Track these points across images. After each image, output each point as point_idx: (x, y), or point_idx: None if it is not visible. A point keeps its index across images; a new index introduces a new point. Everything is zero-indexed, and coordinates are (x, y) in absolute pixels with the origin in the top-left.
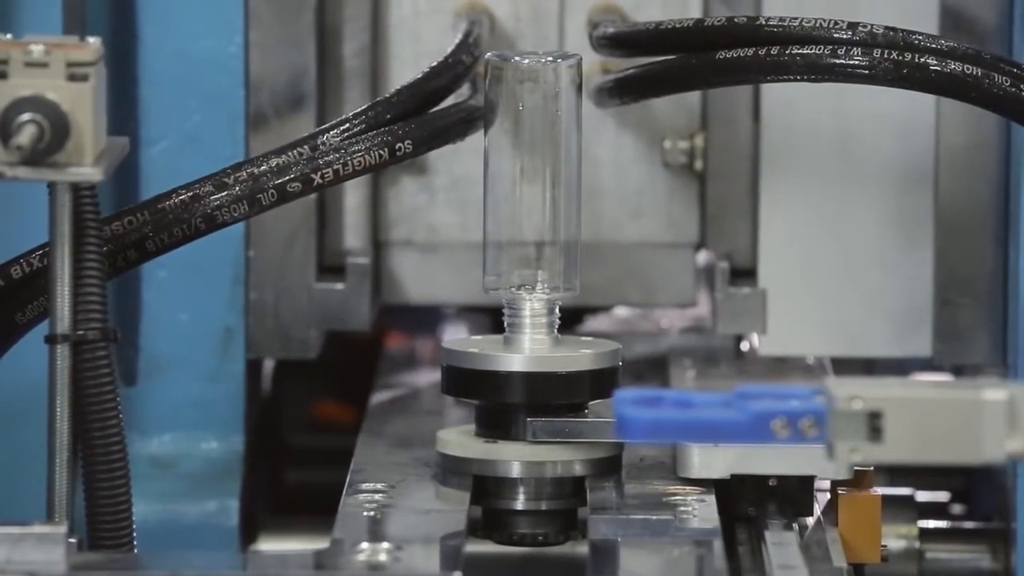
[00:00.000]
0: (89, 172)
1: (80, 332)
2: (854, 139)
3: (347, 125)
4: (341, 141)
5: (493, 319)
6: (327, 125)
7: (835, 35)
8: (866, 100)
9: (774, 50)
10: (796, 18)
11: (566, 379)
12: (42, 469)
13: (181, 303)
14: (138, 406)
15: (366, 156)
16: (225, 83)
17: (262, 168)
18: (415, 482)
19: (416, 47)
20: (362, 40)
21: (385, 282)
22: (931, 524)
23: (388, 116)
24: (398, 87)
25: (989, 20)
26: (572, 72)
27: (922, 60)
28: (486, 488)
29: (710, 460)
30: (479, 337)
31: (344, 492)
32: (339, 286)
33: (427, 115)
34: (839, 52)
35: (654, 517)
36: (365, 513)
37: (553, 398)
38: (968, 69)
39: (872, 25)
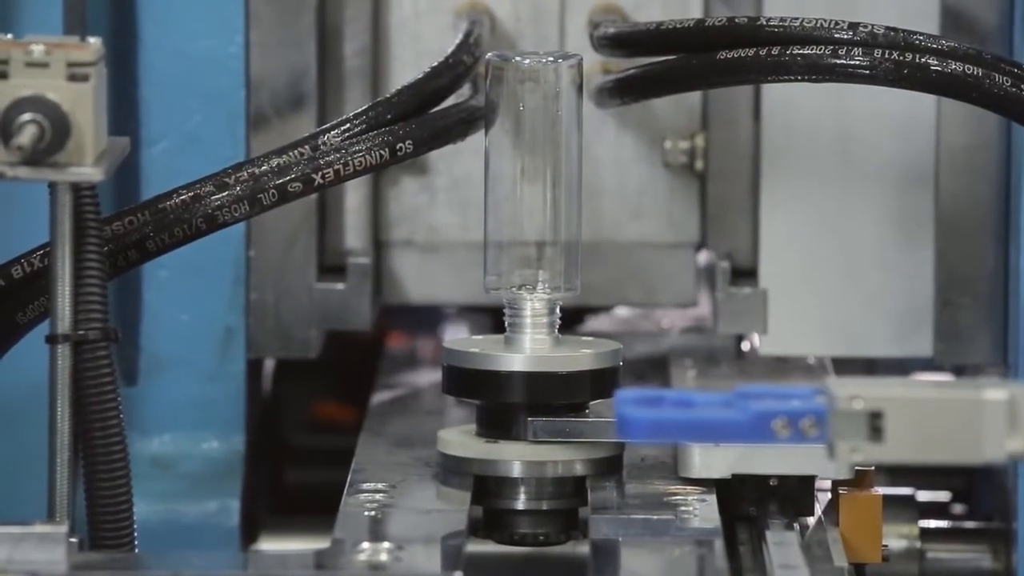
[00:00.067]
0: (90, 172)
1: (81, 332)
2: (855, 139)
3: (348, 125)
4: (342, 141)
5: (494, 319)
6: (328, 125)
7: (836, 35)
8: (866, 100)
9: (775, 50)
10: (797, 18)
11: (567, 379)
12: (43, 469)
13: (182, 303)
14: (139, 406)
15: (367, 156)
16: (226, 83)
17: (263, 168)
18: (416, 482)
19: (416, 47)
20: (363, 40)
21: (386, 282)
22: (932, 524)
23: (389, 116)
24: (399, 87)
25: (989, 20)
26: (572, 72)
27: (923, 60)
28: (487, 488)
29: (711, 460)
30: (480, 337)
31: (345, 492)
32: (340, 286)
33: (428, 115)
34: (840, 52)
35: (655, 517)
36: (366, 513)
37: (554, 398)
38: (969, 69)
39: (873, 25)
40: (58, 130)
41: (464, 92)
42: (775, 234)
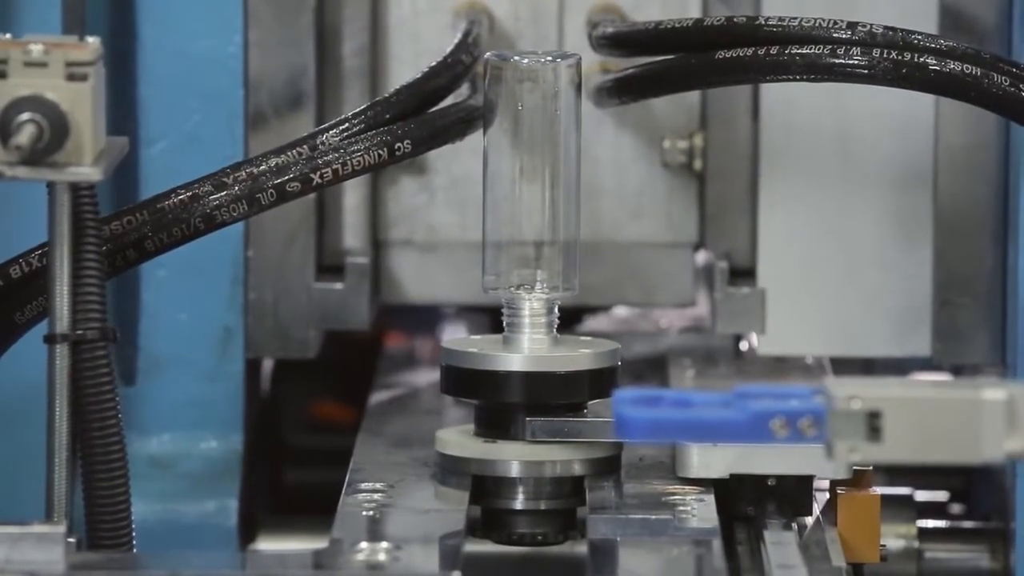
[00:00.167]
0: (88, 172)
1: (79, 332)
2: (853, 139)
3: (346, 125)
4: (340, 141)
5: (492, 319)
6: (326, 125)
7: (834, 35)
8: (865, 100)
9: (773, 50)
10: (795, 18)
11: (565, 379)
12: (41, 469)
13: (180, 303)
14: (137, 406)
15: (365, 156)
16: (224, 83)
17: (261, 168)
18: (414, 482)
19: (415, 47)
20: (361, 40)
21: (384, 282)
22: (930, 524)
23: (387, 116)
24: (397, 87)
25: (988, 20)
26: (571, 72)
27: (921, 60)
28: (485, 488)
29: (709, 460)
30: (478, 337)
31: (343, 492)
32: (338, 286)
33: (426, 115)
34: (838, 52)
35: (653, 517)
36: (364, 513)
37: (552, 398)
38: (967, 69)
39: (871, 25)
40: (57, 130)
41: (463, 92)
42: (774, 234)
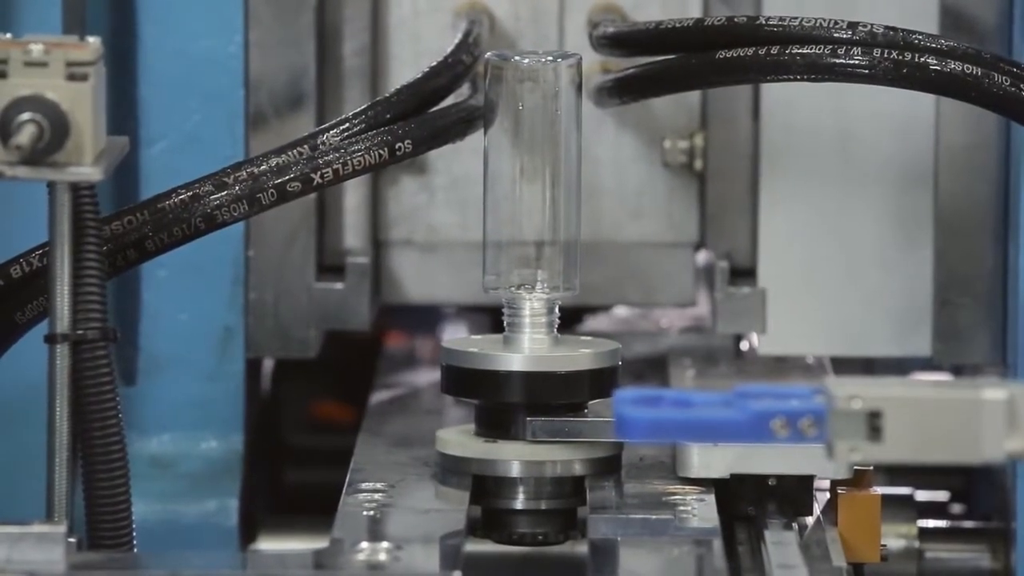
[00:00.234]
0: (88, 172)
1: (80, 332)
2: (854, 139)
3: (347, 125)
4: (341, 141)
5: (493, 319)
6: (327, 125)
7: (835, 35)
8: (866, 100)
9: (774, 50)
10: (796, 18)
11: (565, 379)
12: (42, 469)
13: (181, 303)
14: (138, 406)
15: (366, 156)
16: (225, 83)
17: (262, 168)
18: (415, 482)
19: (416, 47)
20: (362, 40)
21: (385, 282)
22: (930, 524)
23: (388, 116)
24: (398, 87)
25: (989, 20)
26: (572, 72)
27: (922, 60)
28: (486, 488)
29: (709, 460)
30: (479, 337)
31: (344, 492)
32: (339, 286)
33: (427, 115)
34: (839, 52)
35: (654, 517)
36: (365, 513)
37: (552, 398)
38: (968, 68)
39: (872, 25)
40: (57, 130)
41: (463, 92)
42: (774, 234)
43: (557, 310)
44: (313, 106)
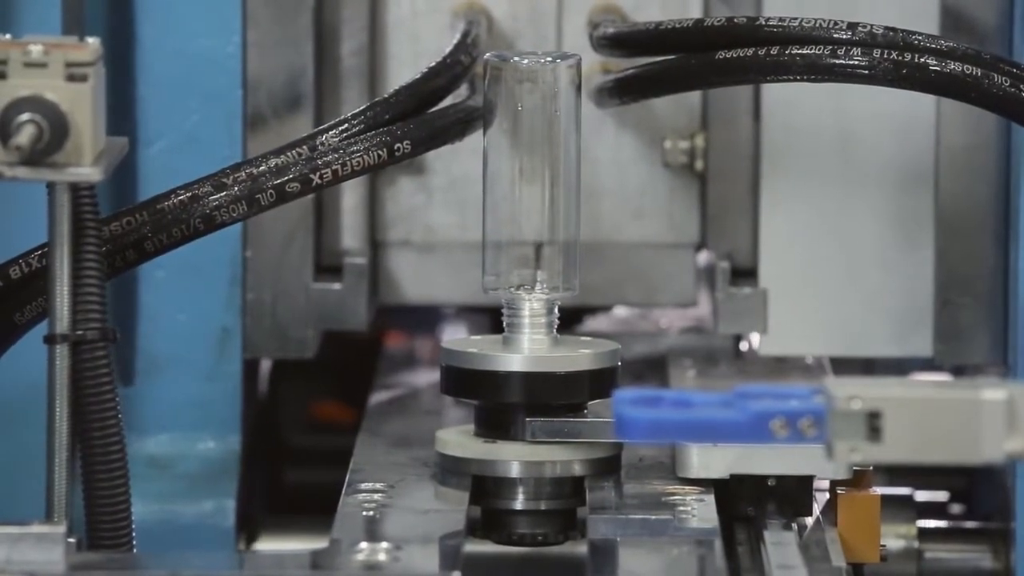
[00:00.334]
0: (88, 172)
1: (79, 332)
2: (855, 139)
3: (346, 125)
4: (340, 141)
5: (492, 319)
6: (326, 125)
7: (835, 35)
8: (866, 100)
9: (774, 50)
10: (796, 18)
11: (565, 379)
12: (42, 469)
13: (179, 303)
14: (135, 406)
15: (365, 156)
16: (223, 83)
17: (261, 168)
18: (414, 482)
19: (414, 47)
20: (360, 40)
21: (383, 282)
22: (930, 524)
23: (387, 116)
24: (397, 87)
25: (989, 20)
26: (571, 72)
27: (922, 60)
28: (485, 488)
29: (709, 460)
30: (478, 337)
31: (343, 492)
32: (336, 286)
33: (426, 115)
34: (839, 52)
35: (653, 517)
36: (364, 513)
37: (552, 398)
38: (968, 69)
39: (872, 25)
40: (56, 130)
41: (461, 92)
42: (775, 234)
43: (557, 310)
44: (311, 106)
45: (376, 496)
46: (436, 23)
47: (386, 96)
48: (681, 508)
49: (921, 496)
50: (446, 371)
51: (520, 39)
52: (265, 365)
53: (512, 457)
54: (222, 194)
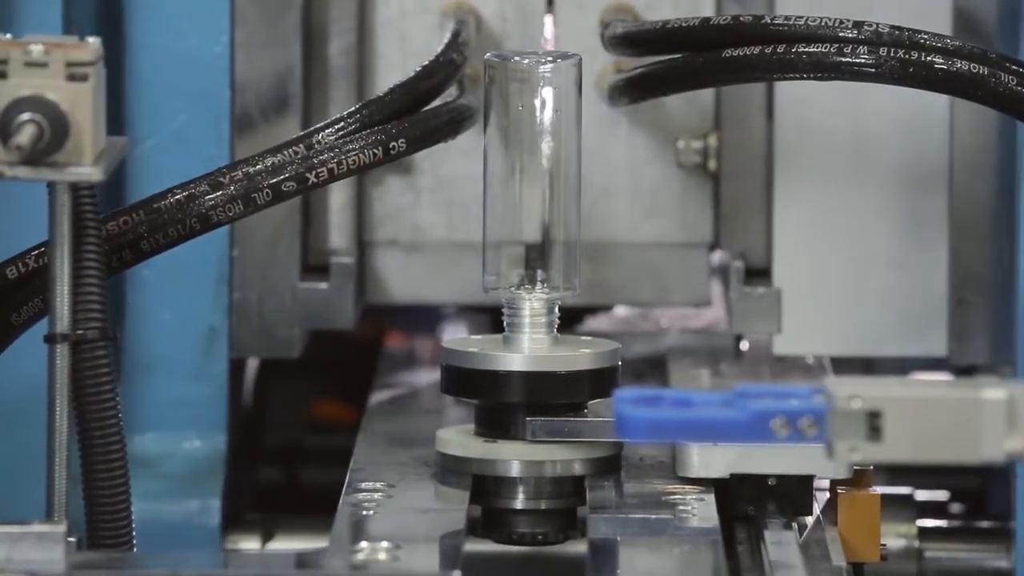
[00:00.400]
0: (88, 172)
1: (79, 332)
2: (868, 138)
3: (341, 124)
4: (336, 140)
5: (492, 319)
6: (322, 124)
7: (840, 33)
8: (879, 100)
9: (780, 48)
10: (801, 16)
11: (565, 379)
12: (41, 469)
13: (165, 302)
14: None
15: (360, 155)
16: (211, 83)
17: (257, 167)
18: (414, 481)
19: (403, 47)
20: (348, 40)
21: (370, 282)
22: (930, 523)
23: (381, 115)
24: (391, 86)
25: (998, 20)
26: (572, 72)
27: (928, 58)
28: (485, 487)
29: (709, 459)
30: (478, 337)
31: (343, 491)
32: (323, 285)
33: (420, 114)
34: (845, 50)
35: (653, 516)
36: (364, 512)
37: (552, 397)
38: (974, 68)
39: (878, 24)
40: (57, 130)
41: (451, 92)
42: (789, 234)
43: (557, 310)
44: (299, 106)
45: (376, 495)
46: (425, 23)
47: (381, 95)
48: (681, 508)
49: (921, 496)
50: (446, 370)
51: (509, 39)
52: (261, 365)
53: (512, 456)
54: (218, 193)
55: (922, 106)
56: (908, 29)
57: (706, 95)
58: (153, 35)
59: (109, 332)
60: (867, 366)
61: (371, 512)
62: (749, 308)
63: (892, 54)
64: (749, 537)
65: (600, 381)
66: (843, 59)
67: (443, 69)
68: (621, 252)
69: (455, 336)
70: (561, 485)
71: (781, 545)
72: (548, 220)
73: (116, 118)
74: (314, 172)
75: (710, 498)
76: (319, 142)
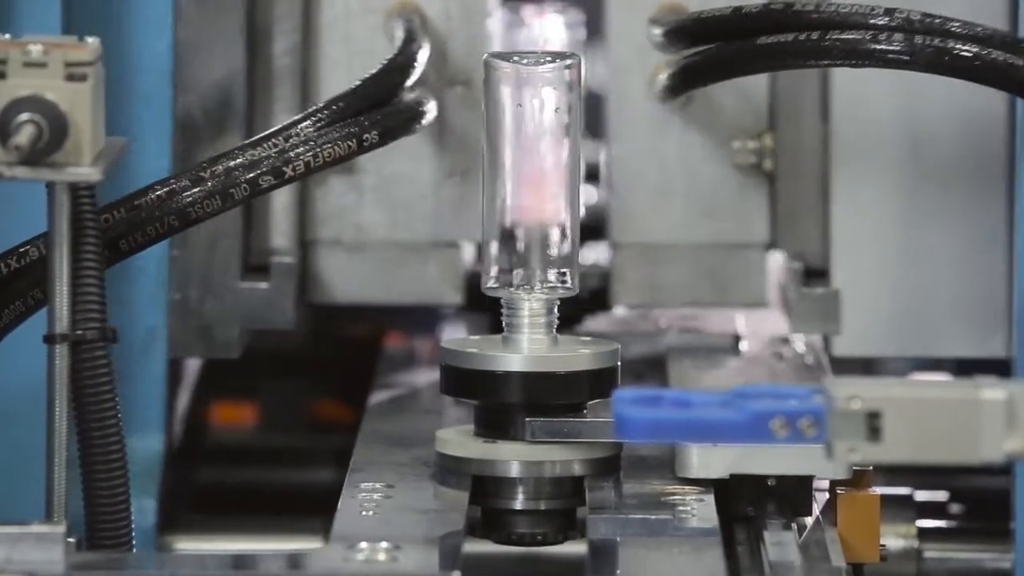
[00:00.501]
0: (87, 172)
1: (79, 332)
2: (925, 136)
3: (317, 117)
4: (312, 132)
5: (492, 319)
6: (297, 117)
7: (871, 20)
8: (937, 97)
9: (814, 35)
10: (832, 3)
11: (565, 379)
12: (41, 469)
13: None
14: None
15: (335, 147)
16: (153, 82)
17: (238, 161)
18: (414, 482)
19: (348, 47)
20: (293, 40)
21: (312, 281)
22: (930, 524)
23: (353, 109)
24: (362, 79)
25: None
26: (571, 72)
27: (964, 47)
28: (485, 488)
29: (709, 460)
30: (478, 337)
31: (343, 491)
32: (263, 285)
33: (389, 107)
34: (880, 37)
35: (653, 517)
36: (364, 512)
37: (552, 398)
38: (1006, 57)
39: (909, 11)
40: (56, 130)
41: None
42: (847, 234)
43: (556, 310)
44: (243, 107)
45: (376, 496)
46: (369, 23)
47: (352, 88)
48: (681, 508)
49: (921, 496)
50: (446, 371)
51: (454, 38)
52: (265, 366)
53: (512, 457)
54: (196, 189)
55: (980, 103)
56: (940, 17)
57: (760, 95)
58: (95, 33)
59: (109, 332)
60: (867, 366)
61: (371, 512)
62: (807, 309)
63: (928, 42)
64: (749, 538)
65: (599, 381)
66: (877, 47)
67: (408, 63)
68: (677, 253)
69: (454, 336)
70: (560, 486)
71: (781, 546)
72: (547, 220)
73: None
74: (291, 165)
75: (709, 499)
76: (298, 134)
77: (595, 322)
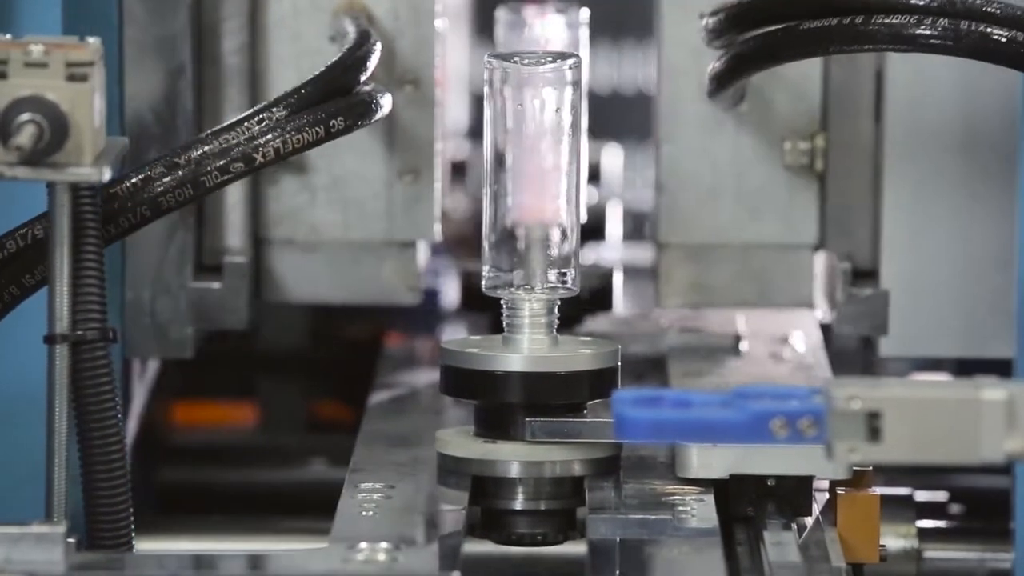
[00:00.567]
0: (88, 172)
1: (79, 332)
2: (978, 138)
3: (285, 102)
4: (282, 118)
5: (492, 319)
6: (264, 104)
7: (912, 2)
8: (992, 97)
9: (858, 19)
10: None
11: (565, 379)
12: (41, 469)
13: None
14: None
15: (304, 134)
16: None
17: (208, 148)
18: (414, 482)
19: (296, 46)
20: (240, 38)
21: (265, 281)
22: (930, 524)
23: (319, 95)
24: (327, 66)
25: None
26: (572, 72)
27: (1010, 33)
28: (485, 488)
29: (709, 460)
30: (478, 337)
31: (343, 491)
32: (216, 285)
33: (352, 95)
34: (925, 21)
35: (653, 517)
36: (363, 512)
37: (552, 398)
38: None
39: None
40: (57, 130)
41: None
42: (897, 234)
43: (556, 310)
44: (191, 104)
45: (376, 496)
46: (317, 22)
47: (317, 75)
48: (681, 508)
49: (921, 496)
50: (446, 371)
51: (402, 37)
52: (266, 367)
53: (512, 457)
54: (167, 179)
55: None
56: (981, 1)
57: (814, 96)
58: (40, 31)
59: (109, 333)
60: (867, 366)
61: (370, 512)
62: (856, 310)
63: (974, 28)
64: (748, 538)
65: (600, 381)
66: (920, 31)
67: (366, 54)
68: (726, 253)
69: (454, 336)
70: (560, 486)
71: (780, 546)
72: (548, 219)
73: None
74: (260, 152)
75: (709, 499)
76: (269, 118)
77: (595, 322)
